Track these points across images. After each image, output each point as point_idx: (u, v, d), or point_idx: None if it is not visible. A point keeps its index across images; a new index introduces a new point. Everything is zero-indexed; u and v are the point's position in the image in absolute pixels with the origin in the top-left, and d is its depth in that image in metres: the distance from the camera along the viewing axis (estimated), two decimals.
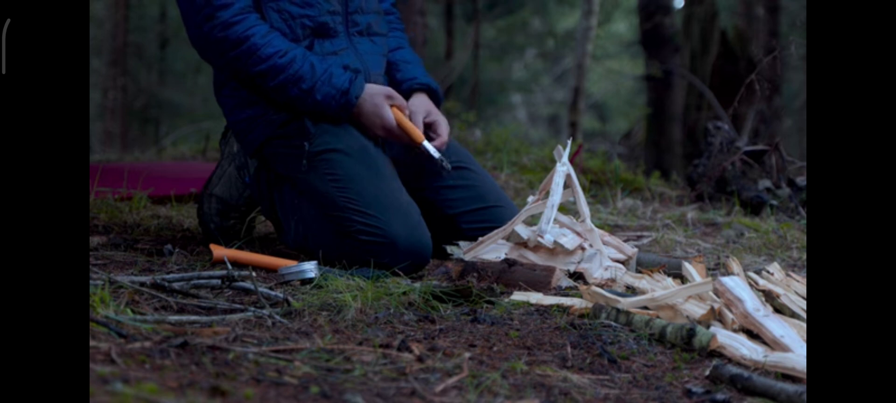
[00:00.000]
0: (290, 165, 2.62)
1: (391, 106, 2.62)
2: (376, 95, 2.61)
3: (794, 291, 2.21)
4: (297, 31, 2.63)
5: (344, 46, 2.68)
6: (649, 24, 8.59)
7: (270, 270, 2.48)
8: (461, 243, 2.60)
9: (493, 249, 2.54)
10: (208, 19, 2.54)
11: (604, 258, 2.48)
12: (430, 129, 2.71)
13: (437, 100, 2.81)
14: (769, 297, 2.13)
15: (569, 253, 2.48)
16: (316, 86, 2.56)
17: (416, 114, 2.70)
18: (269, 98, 2.63)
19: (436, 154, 2.62)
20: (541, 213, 2.56)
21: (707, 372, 1.69)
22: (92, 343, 1.57)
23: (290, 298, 2.07)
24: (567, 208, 3.20)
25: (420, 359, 1.70)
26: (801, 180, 4.23)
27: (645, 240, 3.26)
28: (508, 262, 2.36)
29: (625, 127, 12.36)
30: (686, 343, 1.84)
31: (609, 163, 5.08)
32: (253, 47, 2.54)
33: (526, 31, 13.89)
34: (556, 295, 2.27)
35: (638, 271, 2.53)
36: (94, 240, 2.70)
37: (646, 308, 2.04)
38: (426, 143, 2.63)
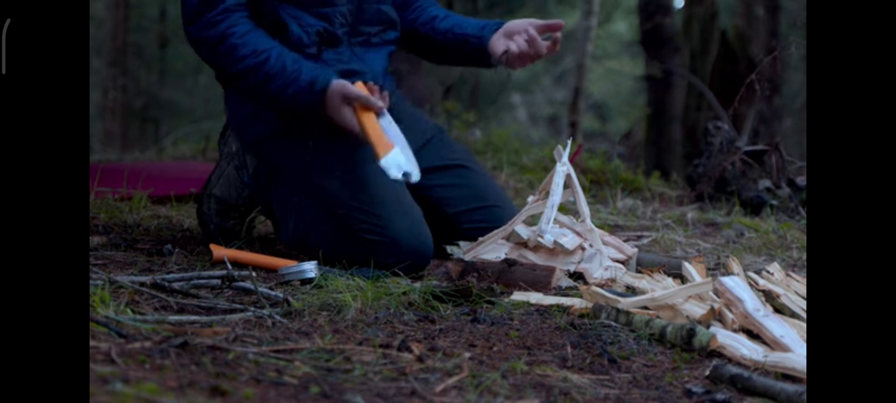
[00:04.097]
0: (294, 160, 2.61)
1: (358, 107, 2.49)
2: (334, 95, 2.48)
3: (794, 291, 2.21)
4: (313, 38, 2.60)
5: (347, 56, 2.67)
6: (649, 24, 8.59)
7: (270, 270, 2.48)
8: (461, 243, 2.60)
9: (493, 249, 2.54)
10: (197, 16, 2.50)
11: (604, 258, 2.48)
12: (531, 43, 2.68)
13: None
14: (769, 297, 2.12)
15: (569, 253, 2.48)
16: (287, 84, 2.48)
17: (529, 24, 2.70)
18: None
19: (397, 174, 2.41)
20: (541, 213, 2.56)
21: (707, 372, 1.69)
22: (92, 343, 1.57)
23: (290, 298, 2.07)
24: (567, 208, 3.20)
25: (420, 359, 1.70)
26: (801, 180, 4.23)
27: (645, 240, 3.26)
28: (508, 262, 2.36)
29: (625, 127, 12.35)
30: (686, 343, 1.84)
31: (609, 163, 5.08)
32: (230, 47, 2.48)
33: None
34: (556, 295, 2.27)
35: (638, 271, 2.53)
36: (94, 240, 2.70)
37: (646, 308, 2.04)
38: (383, 161, 2.42)
